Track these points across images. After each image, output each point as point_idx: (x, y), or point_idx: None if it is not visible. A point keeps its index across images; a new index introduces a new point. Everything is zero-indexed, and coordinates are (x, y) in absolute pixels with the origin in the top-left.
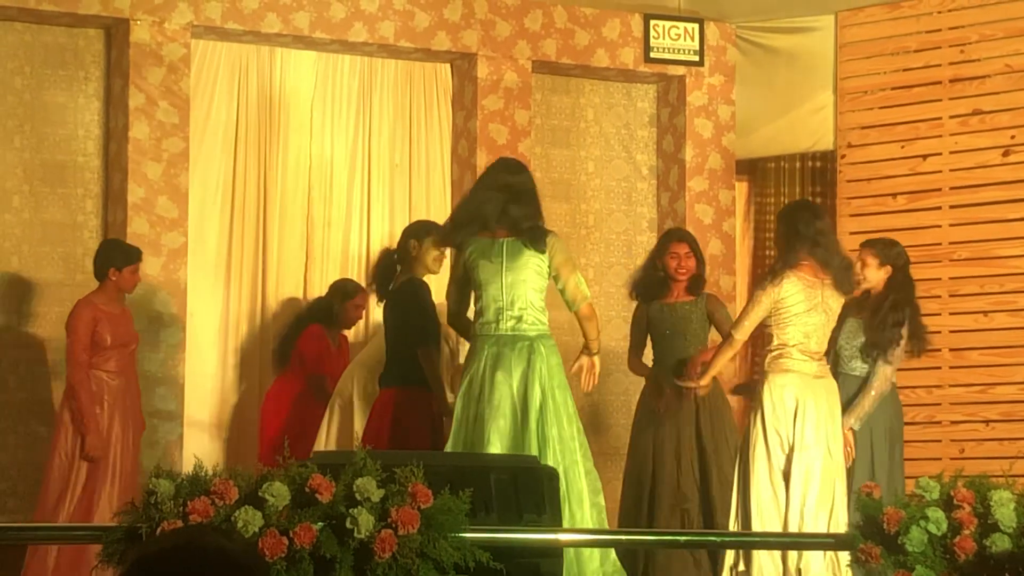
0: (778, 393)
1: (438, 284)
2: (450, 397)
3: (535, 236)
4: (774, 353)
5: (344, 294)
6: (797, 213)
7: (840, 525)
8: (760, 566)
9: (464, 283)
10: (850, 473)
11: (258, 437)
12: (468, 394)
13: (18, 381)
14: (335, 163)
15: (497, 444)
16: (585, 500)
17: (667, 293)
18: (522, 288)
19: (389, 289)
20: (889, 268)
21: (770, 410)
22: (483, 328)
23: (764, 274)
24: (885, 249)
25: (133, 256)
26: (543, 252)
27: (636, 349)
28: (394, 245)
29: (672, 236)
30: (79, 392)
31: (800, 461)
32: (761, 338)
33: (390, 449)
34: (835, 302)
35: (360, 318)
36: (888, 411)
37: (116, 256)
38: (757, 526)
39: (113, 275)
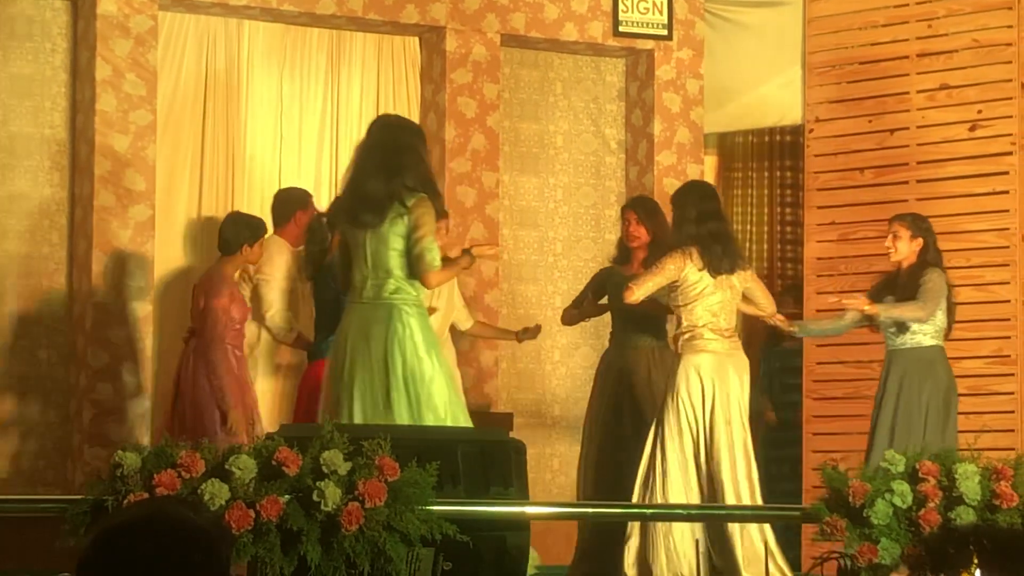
0: (693, 374)
1: None
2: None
3: (401, 196)
4: (686, 335)
5: None
6: (686, 196)
7: (758, 494)
8: (674, 544)
9: (345, 259)
10: (899, 435)
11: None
12: (334, 360)
13: None
14: (303, 136)
15: (360, 412)
16: None
17: (627, 265)
18: (385, 254)
19: (323, 261)
20: (921, 240)
21: (684, 391)
22: (351, 296)
23: (660, 251)
24: (917, 221)
25: (261, 231)
26: (405, 214)
27: (576, 302)
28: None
29: (626, 203)
30: (220, 370)
31: (723, 437)
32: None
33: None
34: (737, 279)
35: None
36: (943, 379)
37: (247, 232)
38: (665, 500)
39: (245, 251)
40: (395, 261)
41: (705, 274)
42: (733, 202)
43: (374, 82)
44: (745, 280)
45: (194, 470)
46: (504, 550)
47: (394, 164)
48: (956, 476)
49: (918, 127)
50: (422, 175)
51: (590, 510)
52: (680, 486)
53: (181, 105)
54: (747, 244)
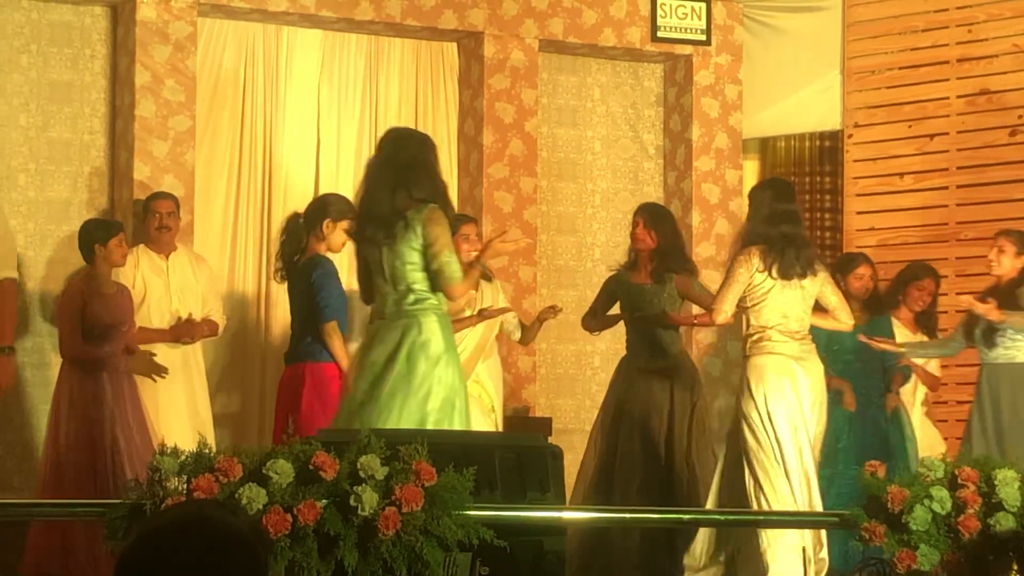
0: (764, 376)
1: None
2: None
3: (408, 209)
4: (754, 337)
5: None
6: (762, 193)
7: (817, 498)
8: (775, 549)
9: (364, 272)
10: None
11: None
12: (354, 374)
13: (22, 360)
14: (341, 142)
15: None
16: None
17: (636, 272)
18: (402, 269)
19: (294, 262)
20: None
21: (760, 394)
22: (374, 313)
23: (733, 253)
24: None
25: (114, 229)
26: (417, 227)
27: (592, 310)
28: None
29: (637, 209)
30: (81, 356)
31: (790, 441)
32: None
33: (304, 424)
34: (809, 283)
35: None
36: None
37: (97, 232)
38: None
39: (99, 251)
40: (413, 275)
41: (767, 275)
42: None
43: (412, 88)
44: (817, 284)
45: (232, 474)
46: (541, 555)
47: (402, 178)
48: (996, 482)
49: (958, 132)
50: (432, 187)
51: (627, 515)
52: (785, 491)
53: (219, 111)
54: None
